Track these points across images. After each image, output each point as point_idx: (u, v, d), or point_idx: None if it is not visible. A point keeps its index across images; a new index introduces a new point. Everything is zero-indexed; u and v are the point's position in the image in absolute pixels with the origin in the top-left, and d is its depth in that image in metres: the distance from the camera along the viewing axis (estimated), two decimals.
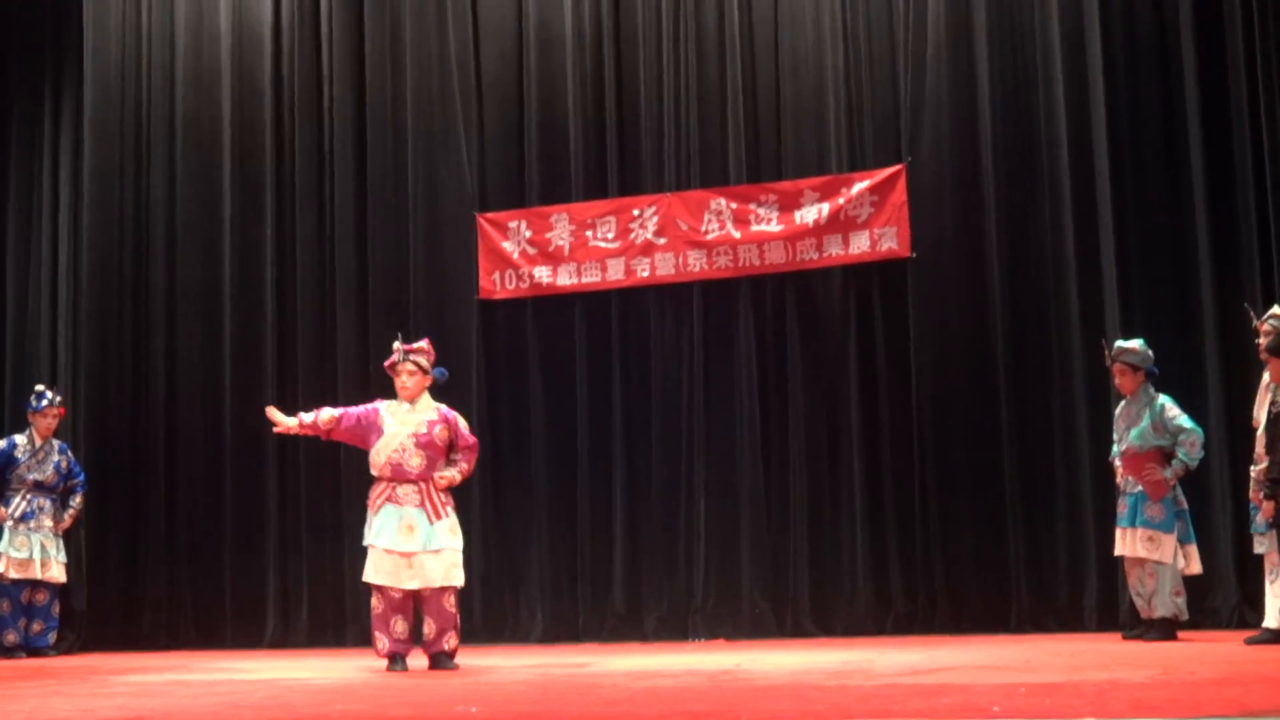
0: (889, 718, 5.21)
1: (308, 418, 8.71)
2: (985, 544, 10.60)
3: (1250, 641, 8.57)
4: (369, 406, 8.79)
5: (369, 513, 8.59)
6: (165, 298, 12.51)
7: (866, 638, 10.40)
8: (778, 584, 11.01)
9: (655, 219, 11.54)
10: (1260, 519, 8.66)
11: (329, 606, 11.81)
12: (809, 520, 10.98)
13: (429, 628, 8.52)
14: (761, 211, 11.31)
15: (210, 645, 11.79)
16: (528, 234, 11.80)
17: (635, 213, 11.61)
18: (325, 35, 12.41)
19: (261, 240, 12.36)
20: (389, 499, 8.51)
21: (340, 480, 11.81)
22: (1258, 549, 8.87)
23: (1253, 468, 8.76)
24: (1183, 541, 9.22)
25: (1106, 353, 9.48)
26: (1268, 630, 8.60)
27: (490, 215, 11.91)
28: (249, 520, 12.07)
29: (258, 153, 12.46)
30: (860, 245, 11.08)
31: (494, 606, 11.48)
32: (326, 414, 8.72)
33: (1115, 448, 9.54)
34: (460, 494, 11.49)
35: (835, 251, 11.14)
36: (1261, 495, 8.44)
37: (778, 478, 11.14)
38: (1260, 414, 8.73)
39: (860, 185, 11.09)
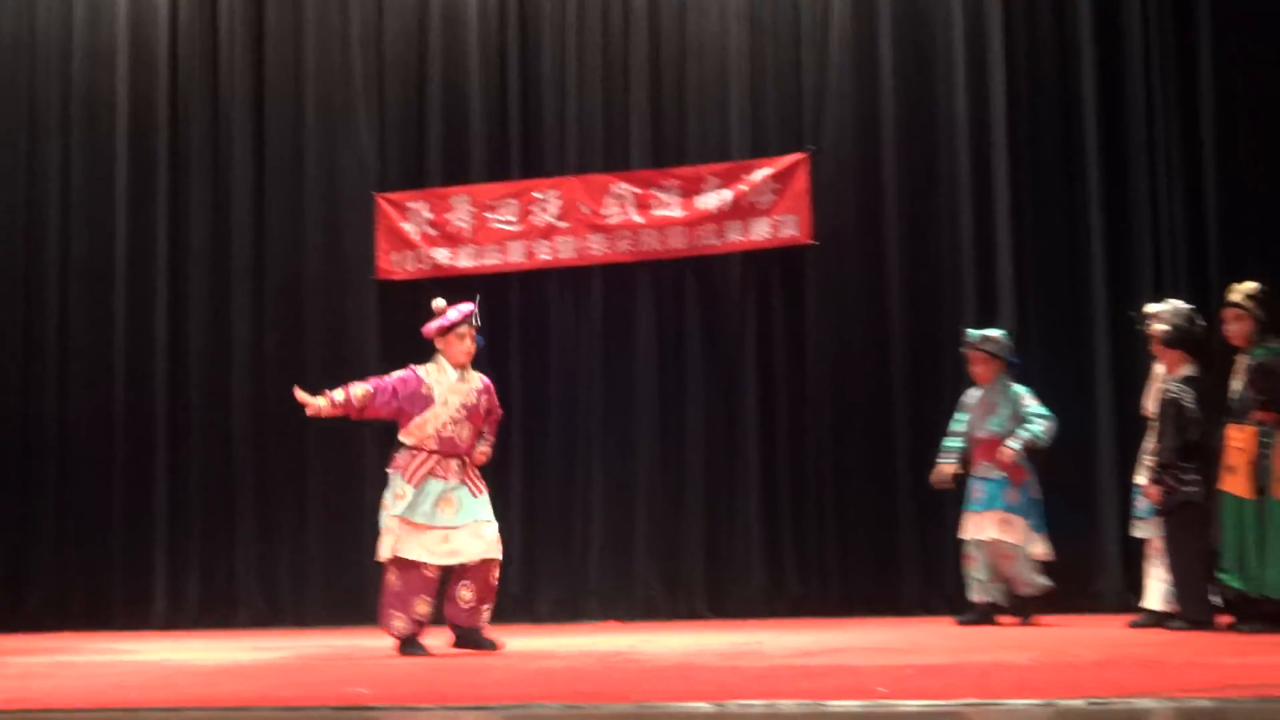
0: (777, 698, 5.25)
1: (338, 396, 7.96)
2: (877, 528, 10.72)
3: (1133, 625, 8.77)
4: (404, 374, 8.06)
5: (403, 484, 7.88)
6: (57, 276, 12.29)
7: (759, 620, 10.47)
8: (672, 566, 11.07)
9: (557, 202, 11.52)
10: (1142, 503, 8.83)
11: (219, 587, 11.71)
12: (704, 503, 11.04)
13: (469, 596, 8.03)
14: (663, 196, 11.32)
15: (99, 626, 11.62)
16: (428, 215, 11.74)
17: (537, 195, 11.58)
18: (224, 8, 12.24)
19: (154, 219, 12.17)
20: (432, 473, 7.91)
21: (233, 458, 11.73)
22: (1138, 533, 9.04)
23: (1146, 455, 8.94)
24: (1035, 530, 9.41)
25: (967, 340, 9.62)
26: (1149, 613, 8.79)
27: (390, 195, 11.83)
28: (139, 500, 11.91)
29: (152, 128, 12.27)
30: (761, 232, 11.13)
31: None
32: (359, 389, 7.95)
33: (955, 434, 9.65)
34: (351, 476, 11.50)
35: (736, 238, 11.19)
36: (1149, 479, 8.62)
37: (674, 461, 11.19)
38: (1152, 405, 8.90)
39: (762, 172, 11.14)
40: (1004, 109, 10.72)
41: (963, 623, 9.42)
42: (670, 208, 11.29)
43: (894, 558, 10.64)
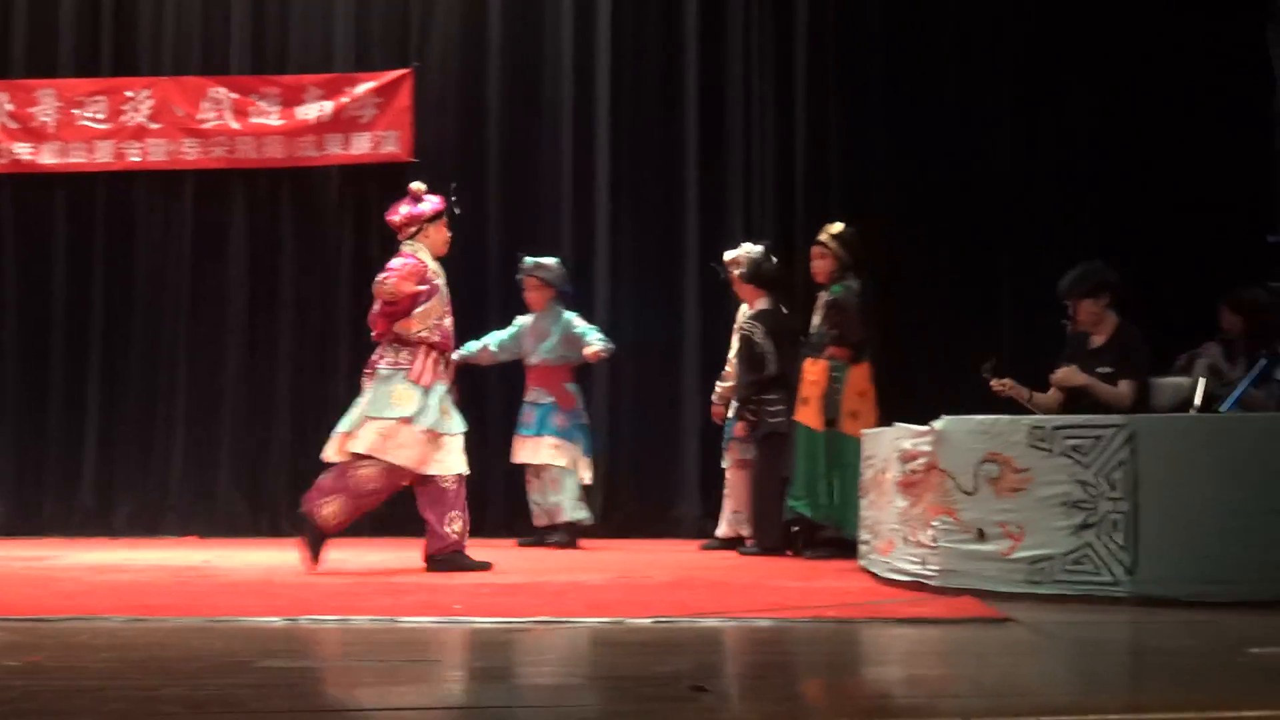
0: (353, 614, 5.23)
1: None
2: (466, 451, 10.71)
3: (705, 547, 9.16)
4: (406, 260, 7.49)
5: (414, 388, 7.35)
6: None
7: (343, 539, 10.36)
8: (256, 482, 10.85)
9: (150, 102, 11.07)
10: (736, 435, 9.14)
11: None
12: (291, 420, 10.84)
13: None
14: (262, 104, 11.03)
15: None
16: (9, 107, 11.10)
17: (129, 94, 11.10)
18: None
19: None
20: (439, 377, 7.43)
21: None
22: (724, 463, 9.36)
23: (719, 384, 9.31)
24: (584, 454, 9.59)
25: (520, 267, 9.67)
26: (718, 539, 9.16)
27: None
28: None
29: None
30: (361, 146, 10.96)
31: None
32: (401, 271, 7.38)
33: (493, 343, 9.72)
34: None
35: (336, 150, 10.99)
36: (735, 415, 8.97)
37: (262, 376, 10.96)
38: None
39: (365, 86, 10.96)
40: (608, 37, 10.84)
41: (523, 544, 9.52)
42: (269, 116, 11.00)
43: (480, 481, 10.63)
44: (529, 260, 9.68)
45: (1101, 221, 9.89)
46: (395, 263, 7.48)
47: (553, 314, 9.60)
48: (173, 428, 10.91)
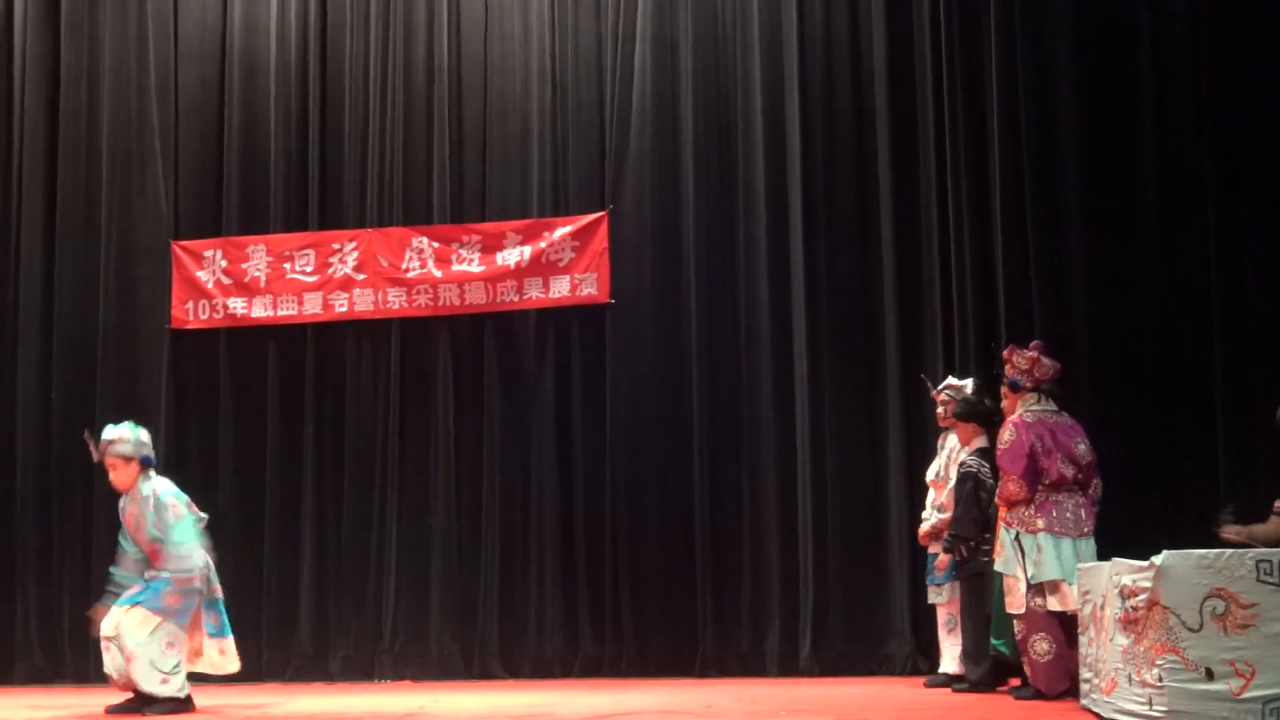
0: None
1: None
2: (673, 588, 10.72)
3: (929, 684, 8.99)
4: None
5: None
6: None
7: (554, 680, 10.43)
8: (467, 625, 10.96)
9: (355, 254, 11.42)
10: (937, 570, 8.99)
11: None
12: (500, 562, 10.95)
13: None
14: (463, 251, 11.29)
15: None
16: (223, 264, 11.54)
17: (335, 247, 11.47)
18: (19, 50, 11.90)
19: None
20: None
21: (15, 511, 11.41)
22: (931, 599, 9.20)
23: (928, 519, 9.15)
24: (215, 635, 8.41)
25: (91, 446, 8.32)
26: (945, 675, 8.98)
27: (185, 244, 11.61)
28: None
29: None
30: (560, 290, 11.15)
31: None
32: None
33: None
34: None
35: (535, 295, 11.19)
36: (941, 548, 8.79)
37: (469, 518, 11.11)
38: (947, 471, 9.07)
39: (563, 230, 11.17)
40: (800, 177, 10.83)
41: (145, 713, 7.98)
42: (470, 263, 11.25)
43: (689, 619, 10.64)
44: (103, 436, 8.25)
45: None
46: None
47: (143, 490, 8.11)
48: (384, 571, 11.09)
